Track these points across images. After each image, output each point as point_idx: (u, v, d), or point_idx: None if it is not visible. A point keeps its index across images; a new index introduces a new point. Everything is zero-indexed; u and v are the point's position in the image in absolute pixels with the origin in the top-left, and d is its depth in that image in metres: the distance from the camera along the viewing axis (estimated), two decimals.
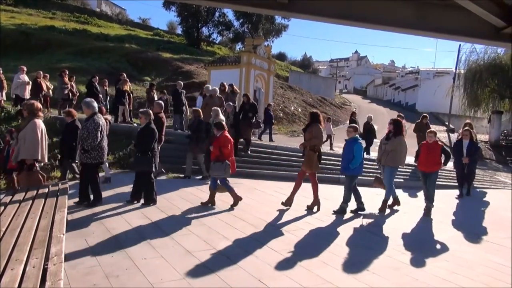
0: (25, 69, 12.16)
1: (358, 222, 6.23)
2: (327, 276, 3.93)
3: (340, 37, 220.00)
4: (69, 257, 3.72)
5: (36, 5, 36.06)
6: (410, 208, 7.54)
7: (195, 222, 5.50)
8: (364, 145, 8.91)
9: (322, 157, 7.30)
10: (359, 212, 6.66)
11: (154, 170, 6.27)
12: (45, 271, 2.50)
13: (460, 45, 26.45)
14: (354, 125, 7.32)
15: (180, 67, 25.34)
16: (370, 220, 6.38)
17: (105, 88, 12.76)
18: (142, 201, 6.26)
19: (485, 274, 4.40)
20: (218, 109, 8.57)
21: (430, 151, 7.13)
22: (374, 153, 13.63)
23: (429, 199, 7.09)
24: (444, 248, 5.28)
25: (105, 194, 6.38)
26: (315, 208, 6.70)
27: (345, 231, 5.70)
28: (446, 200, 8.71)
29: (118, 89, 12.01)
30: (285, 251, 4.58)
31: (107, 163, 7.55)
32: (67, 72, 12.35)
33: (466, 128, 9.70)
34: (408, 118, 16.51)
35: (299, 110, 25.92)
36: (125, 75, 12.86)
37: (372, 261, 4.47)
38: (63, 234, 3.22)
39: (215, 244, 4.62)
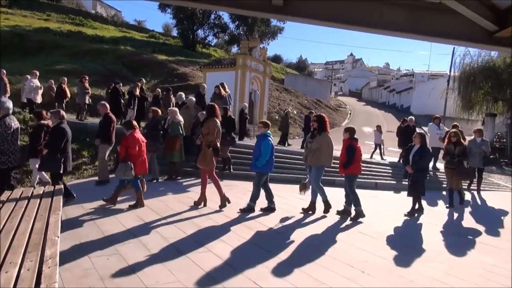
0: (37, 73, 12.20)
1: (355, 224, 6.26)
2: (321, 278, 3.94)
3: (336, 40, 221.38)
4: (64, 259, 3.70)
5: (31, 7, 35.80)
6: (405, 210, 7.56)
7: (188, 224, 5.50)
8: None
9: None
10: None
11: (62, 171, 5.93)
12: (39, 274, 2.49)
13: (454, 48, 26.77)
14: (265, 120, 6.84)
15: (175, 69, 25.29)
16: (363, 222, 6.40)
17: (135, 93, 12.62)
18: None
19: (478, 275, 4.44)
20: (176, 109, 8.56)
21: (342, 151, 6.66)
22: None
23: (347, 202, 6.68)
24: (437, 250, 5.33)
25: (98, 195, 6.35)
26: (202, 204, 6.50)
27: (339, 233, 5.73)
28: (439, 202, 8.78)
29: (130, 92, 12.36)
30: (281, 254, 4.59)
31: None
32: (87, 78, 12.54)
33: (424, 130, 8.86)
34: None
35: (295, 112, 25.98)
36: (143, 80, 13.19)
37: (366, 263, 4.50)
38: (58, 237, 3.21)
39: (210, 246, 4.63)
